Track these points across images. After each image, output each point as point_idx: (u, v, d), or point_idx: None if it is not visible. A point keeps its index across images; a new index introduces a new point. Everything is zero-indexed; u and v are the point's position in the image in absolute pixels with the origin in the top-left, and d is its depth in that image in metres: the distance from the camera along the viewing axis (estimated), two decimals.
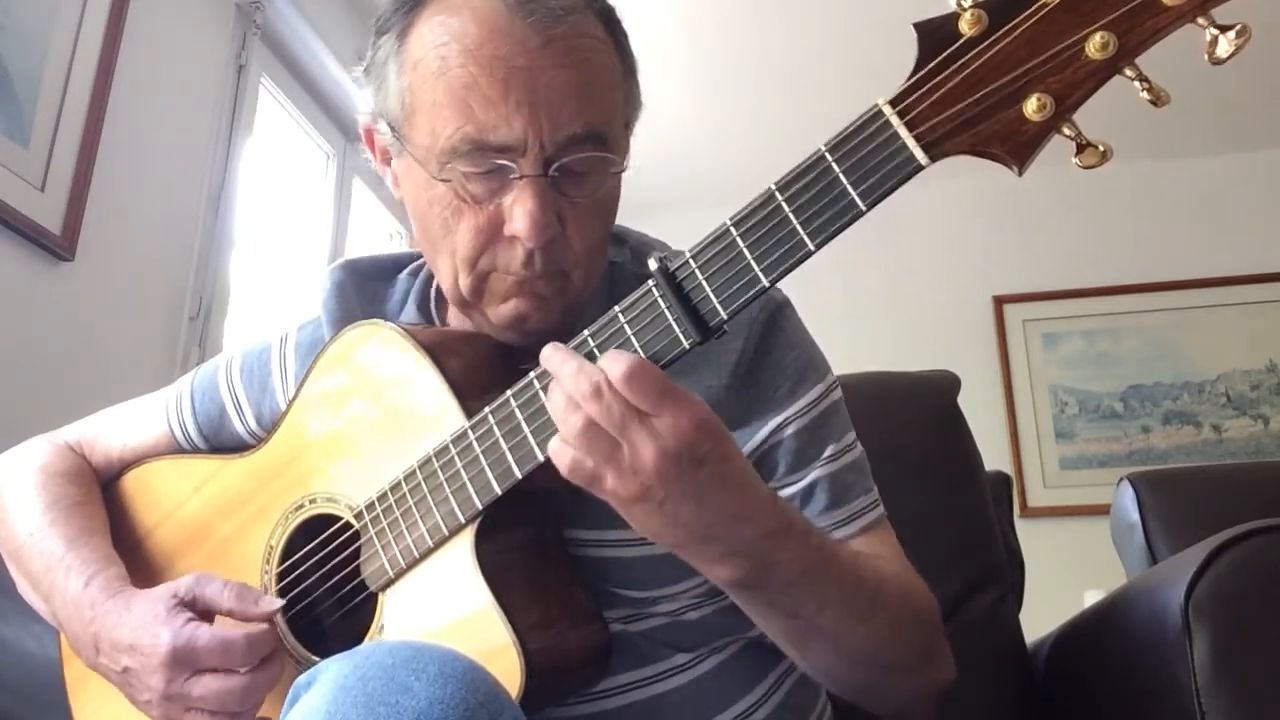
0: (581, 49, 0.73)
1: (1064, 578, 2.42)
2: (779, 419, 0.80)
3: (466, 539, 0.72)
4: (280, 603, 0.77)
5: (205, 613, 0.77)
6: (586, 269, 0.77)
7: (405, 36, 0.76)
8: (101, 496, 0.96)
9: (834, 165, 0.60)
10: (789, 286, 0.83)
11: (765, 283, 0.62)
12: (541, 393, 0.69)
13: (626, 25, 0.80)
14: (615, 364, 0.61)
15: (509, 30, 0.71)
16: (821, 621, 0.71)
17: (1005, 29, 0.57)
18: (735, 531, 0.65)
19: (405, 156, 0.78)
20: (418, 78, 0.75)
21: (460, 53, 0.72)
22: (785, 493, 0.81)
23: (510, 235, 0.73)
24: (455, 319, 0.87)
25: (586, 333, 0.68)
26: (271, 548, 0.84)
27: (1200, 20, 0.54)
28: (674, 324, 0.65)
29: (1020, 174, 0.59)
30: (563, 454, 0.64)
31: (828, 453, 0.81)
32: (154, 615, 0.75)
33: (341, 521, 0.80)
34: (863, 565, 0.75)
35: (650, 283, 0.66)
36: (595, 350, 0.67)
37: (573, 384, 0.63)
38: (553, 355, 0.66)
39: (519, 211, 0.72)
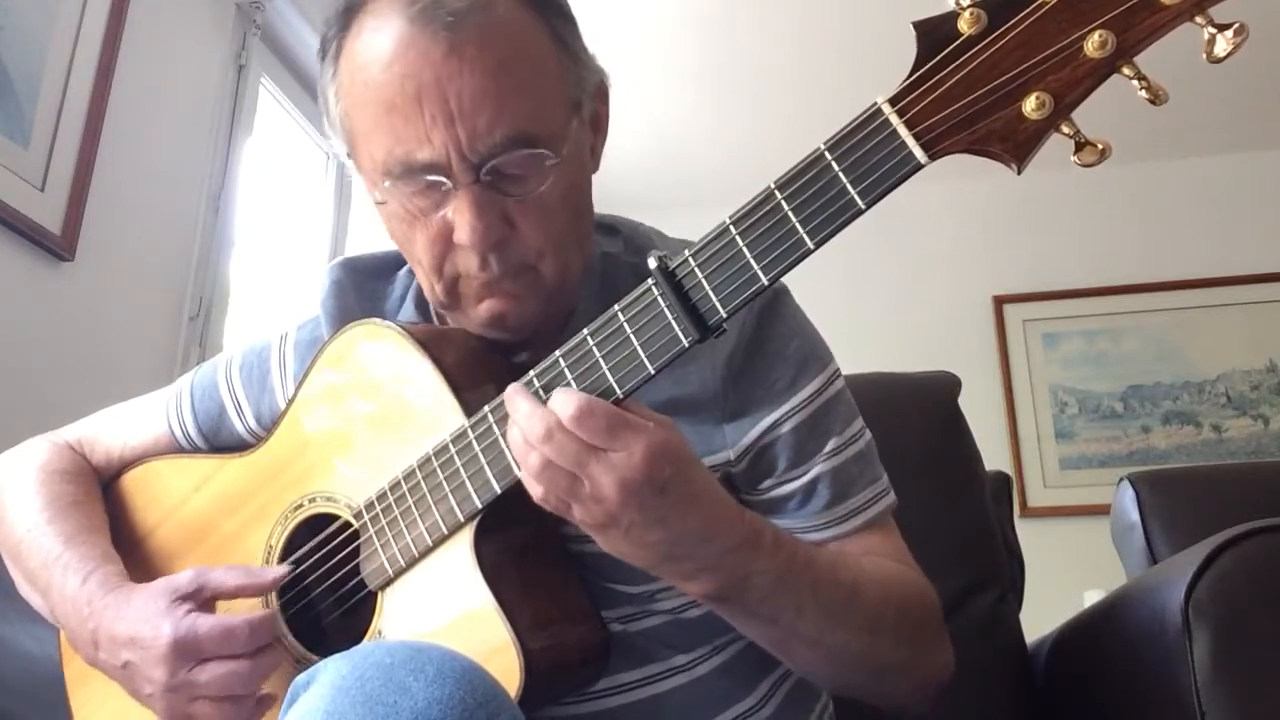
0: (492, 49, 0.71)
1: (1064, 578, 2.42)
2: (777, 414, 0.80)
3: (466, 538, 0.72)
4: (286, 568, 0.77)
5: (208, 602, 0.77)
6: (556, 258, 0.76)
7: (337, 61, 0.77)
8: (101, 495, 0.96)
9: (834, 164, 0.60)
10: (789, 285, 0.83)
11: (764, 281, 0.62)
12: (541, 391, 0.69)
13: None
14: (564, 405, 0.63)
15: (413, 44, 0.70)
16: (802, 627, 0.72)
17: (1004, 28, 0.57)
18: (702, 549, 0.67)
19: (359, 177, 0.79)
20: (350, 104, 0.75)
21: (376, 75, 0.72)
22: (786, 489, 0.81)
23: (458, 243, 0.74)
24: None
25: (586, 331, 0.68)
26: (271, 547, 0.84)
27: (1198, 19, 0.54)
28: (673, 322, 0.65)
29: (1019, 172, 0.59)
30: (532, 487, 0.66)
31: (829, 447, 0.81)
32: (154, 609, 0.75)
33: (341, 521, 0.80)
34: (842, 568, 0.75)
35: (649, 281, 0.66)
36: (595, 349, 0.67)
37: (526, 426, 0.65)
38: (511, 396, 0.68)
39: (459, 221, 0.72)
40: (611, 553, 0.67)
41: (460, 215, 0.72)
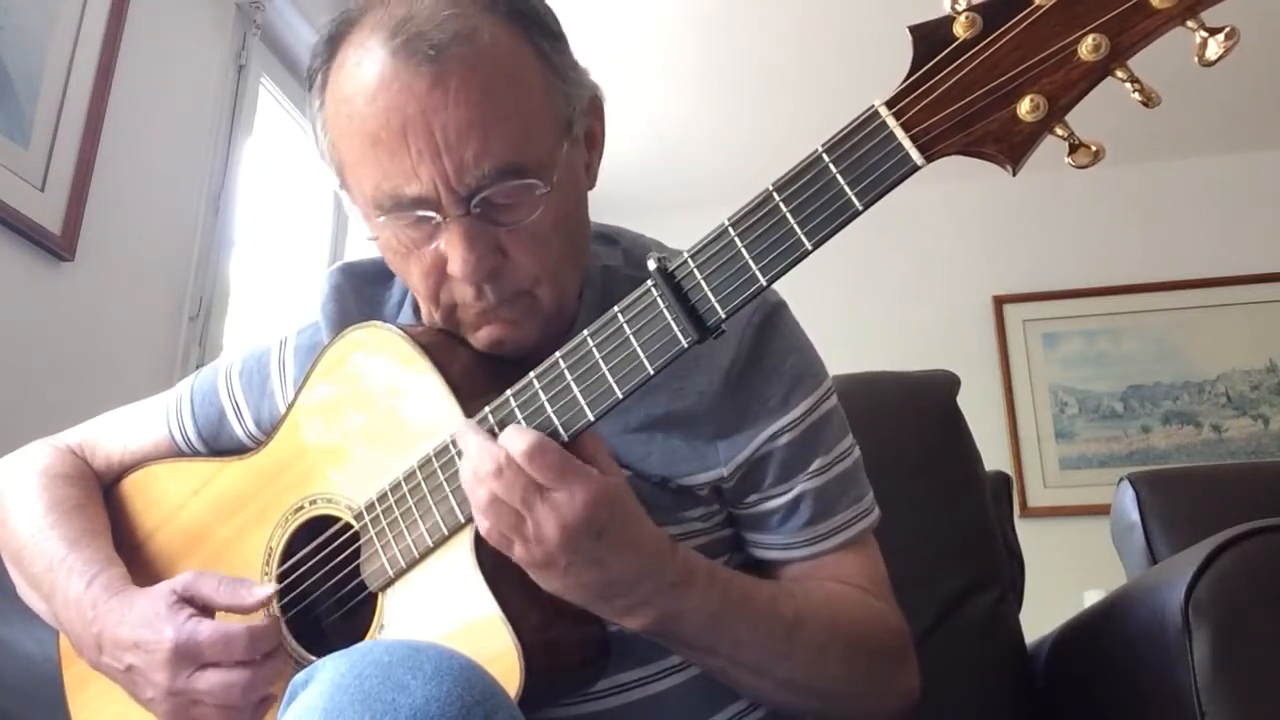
0: (476, 79, 0.69)
1: (1064, 578, 2.42)
2: (771, 429, 0.80)
3: (466, 538, 0.72)
4: (273, 588, 0.77)
5: (204, 609, 0.77)
6: (553, 283, 0.76)
7: (323, 93, 0.76)
8: (102, 499, 0.96)
9: (831, 166, 0.60)
10: (789, 286, 0.83)
11: (763, 282, 0.63)
12: (541, 392, 0.69)
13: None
14: (517, 441, 0.65)
15: (396, 77, 0.69)
16: (742, 658, 0.74)
17: (999, 32, 0.57)
18: (636, 589, 0.68)
19: (351, 209, 0.79)
20: (337, 136, 0.75)
21: (361, 108, 0.71)
22: (770, 505, 0.82)
23: (451, 275, 0.73)
24: None
25: (586, 333, 0.68)
26: (271, 549, 0.84)
27: (1190, 23, 0.54)
28: (672, 323, 0.65)
29: (1014, 174, 0.59)
30: (480, 522, 0.67)
31: (814, 466, 0.82)
32: (155, 613, 0.75)
33: (341, 522, 0.80)
34: (784, 602, 0.76)
35: (649, 282, 0.66)
36: (595, 350, 0.67)
37: (477, 460, 0.66)
38: (463, 432, 0.69)
39: (451, 254, 0.72)
40: (547, 589, 0.68)
41: (452, 248, 0.71)
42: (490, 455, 0.65)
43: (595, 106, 0.81)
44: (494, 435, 0.68)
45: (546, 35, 0.75)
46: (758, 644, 0.74)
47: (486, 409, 0.72)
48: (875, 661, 0.80)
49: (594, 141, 0.82)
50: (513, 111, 0.71)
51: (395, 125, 0.69)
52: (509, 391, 0.71)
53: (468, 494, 0.68)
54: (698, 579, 0.71)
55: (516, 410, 0.70)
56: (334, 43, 0.75)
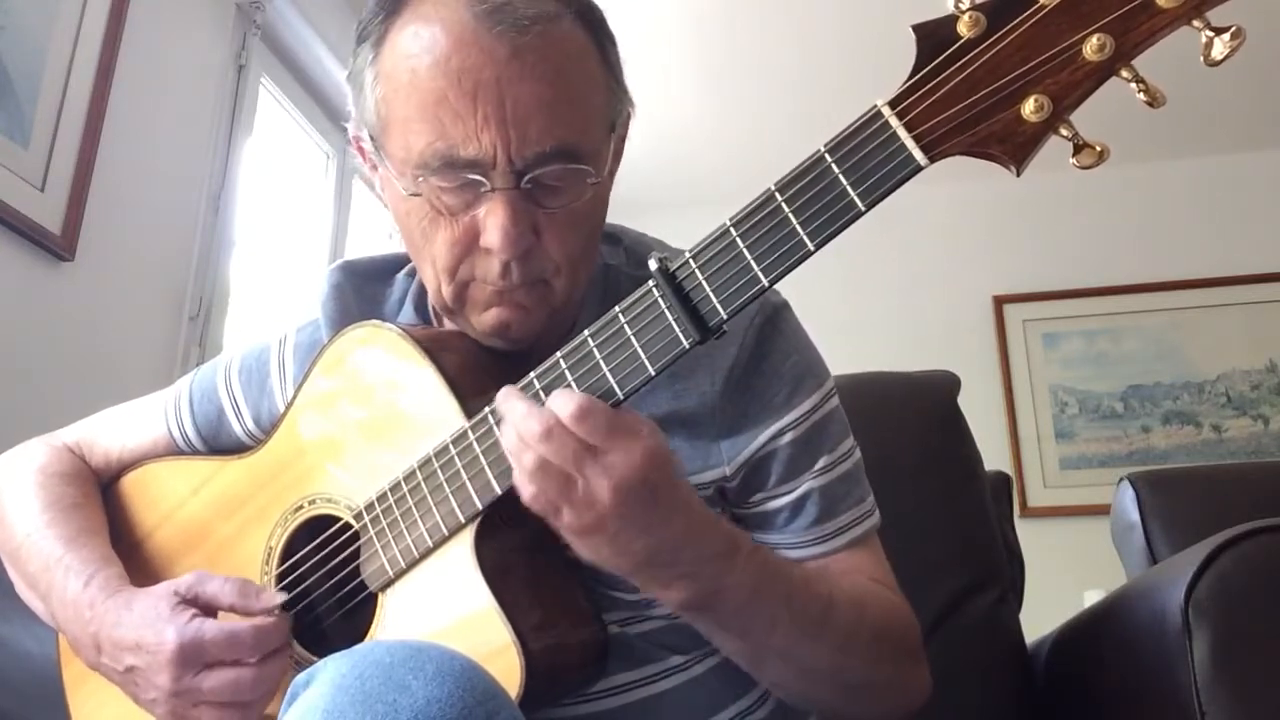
0: (553, 59, 0.71)
1: (1064, 578, 2.42)
2: (774, 428, 0.80)
3: (466, 539, 0.72)
4: (283, 597, 0.77)
5: (207, 610, 0.77)
6: (569, 276, 0.77)
7: (380, 46, 0.76)
8: (100, 498, 0.95)
9: (833, 166, 0.60)
10: (789, 286, 0.83)
11: (765, 282, 0.63)
12: (542, 393, 0.69)
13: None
14: (565, 403, 0.64)
15: (476, 41, 0.70)
16: (773, 641, 0.73)
17: (1003, 31, 0.57)
18: (681, 555, 0.67)
19: (384, 166, 0.77)
20: (390, 90, 0.74)
21: (429, 65, 0.71)
22: (776, 503, 0.82)
23: (485, 247, 0.73)
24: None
25: (587, 333, 0.68)
26: (271, 549, 0.84)
27: (1196, 22, 0.54)
28: (674, 324, 0.65)
29: (1018, 174, 0.59)
30: (524, 488, 0.66)
31: (820, 464, 0.82)
32: (157, 613, 0.75)
33: (341, 522, 0.80)
34: (815, 584, 0.76)
35: (650, 283, 0.66)
36: (596, 350, 0.67)
37: (524, 425, 0.65)
38: (505, 397, 0.68)
39: (491, 224, 0.72)
40: (591, 559, 0.68)
41: (494, 218, 0.71)
42: (538, 418, 0.64)
43: (627, 120, 0.82)
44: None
45: (610, 41, 0.78)
46: (792, 624, 0.73)
47: (487, 409, 0.71)
48: (897, 653, 0.80)
49: (619, 154, 0.83)
50: (579, 98, 0.73)
51: (467, 87, 0.70)
52: None
53: (512, 461, 0.67)
54: (741, 552, 0.71)
55: None
56: None
